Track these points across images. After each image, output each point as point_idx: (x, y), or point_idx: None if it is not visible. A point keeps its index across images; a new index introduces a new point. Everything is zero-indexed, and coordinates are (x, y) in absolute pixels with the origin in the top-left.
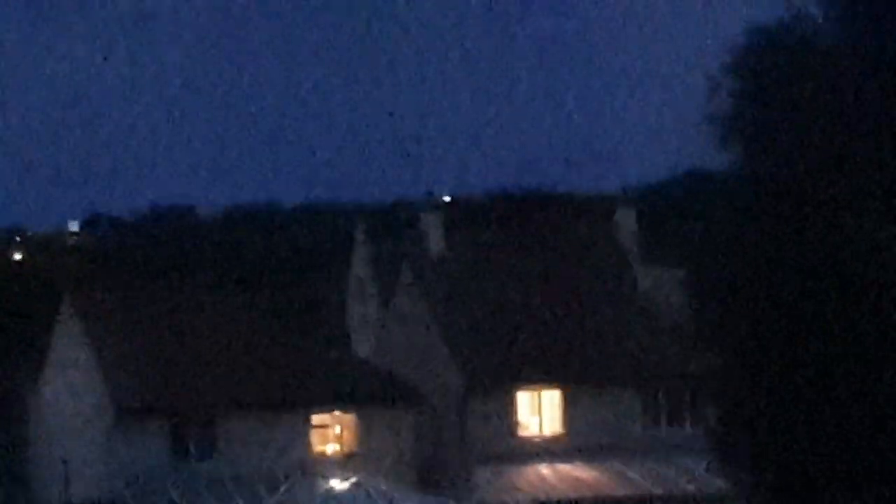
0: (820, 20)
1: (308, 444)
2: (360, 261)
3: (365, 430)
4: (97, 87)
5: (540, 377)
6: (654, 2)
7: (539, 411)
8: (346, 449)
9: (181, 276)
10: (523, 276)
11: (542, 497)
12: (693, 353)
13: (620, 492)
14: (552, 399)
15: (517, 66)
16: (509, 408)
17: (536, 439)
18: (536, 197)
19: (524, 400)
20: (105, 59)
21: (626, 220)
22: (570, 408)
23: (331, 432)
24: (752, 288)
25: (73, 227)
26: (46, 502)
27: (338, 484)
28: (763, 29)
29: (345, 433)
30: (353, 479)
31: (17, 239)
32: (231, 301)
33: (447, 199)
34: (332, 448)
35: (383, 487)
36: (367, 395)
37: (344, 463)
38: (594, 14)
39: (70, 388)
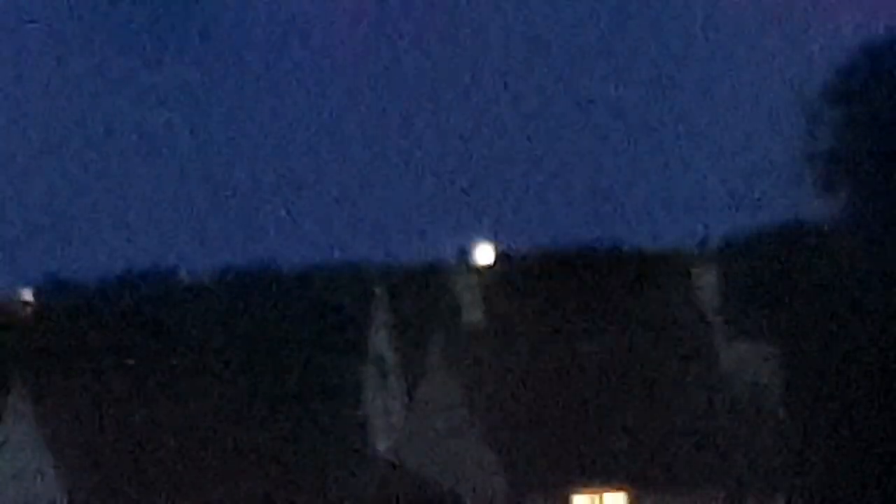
0: None
1: None
2: (379, 335)
3: None
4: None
5: (601, 479)
6: (741, 20)
7: None
8: None
9: (157, 354)
10: (580, 353)
11: None
12: (790, 450)
13: None
14: None
15: (570, 92)
16: None
17: None
18: (595, 255)
19: None
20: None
21: (707, 283)
22: None
23: None
24: (865, 366)
25: (27, 295)
26: None
27: None
28: (870, 47)
29: None
30: None
31: None
32: (216, 385)
33: (487, 258)
34: None
35: None
36: (389, 503)
37: None
38: (669, 33)
39: (16, 475)
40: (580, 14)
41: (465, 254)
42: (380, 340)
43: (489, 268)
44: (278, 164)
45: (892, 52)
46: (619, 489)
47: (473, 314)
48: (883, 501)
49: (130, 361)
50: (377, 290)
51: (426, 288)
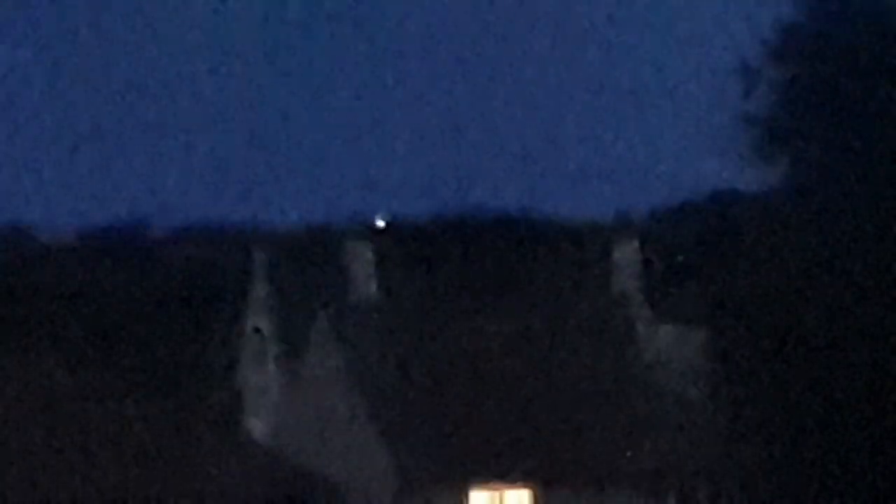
0: None
1: None
2: (258, 307)
3: None
4: None
5: (504, 473)
6: None
7: None
8: None
9: (6, 322)
10: (484, 333)
11: None
12: (714, 441)
13: None
14: (520, 502)
15: (484, 48)
16: None
17: None
18: (504, 225)
19: (480, 502)
20: None
21: (628, 259)
22: None
23: None
24: (801, 351)
25: None
26: None
27: None
28: (814, 5)
29: None
30: None
31: None
32: (73, 358)
33: (381, 223)
34: None
35: None
36: (264, 492)
37: None
38: None
39: None
40: None
41: (357, 219)
42: (258, 311)
43: (383, 236)
44: (149, 112)
45: (835, 12)
46: (523, 485)
47: (364, 286)
48: (816, 496)
49: None
50: (257, 255)
51: (312, 255)
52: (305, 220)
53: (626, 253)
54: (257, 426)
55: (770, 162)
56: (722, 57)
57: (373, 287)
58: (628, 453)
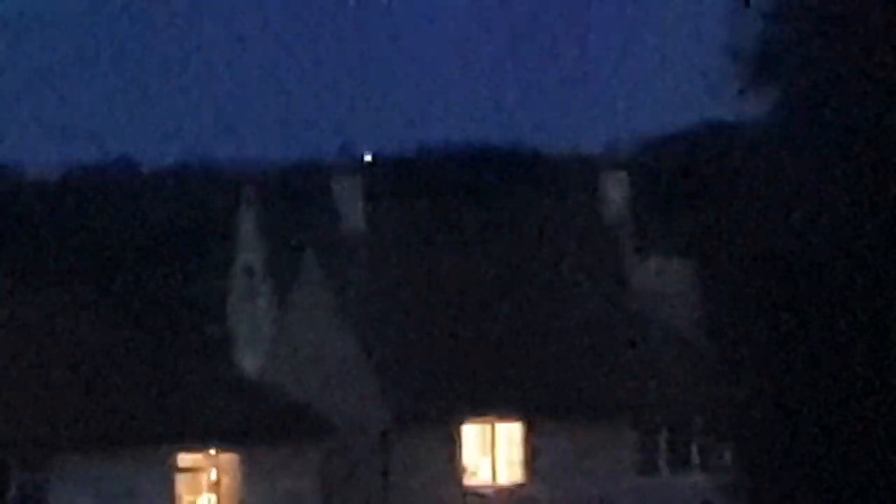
0: None
1: (172, 495)
2: (247, 243)
3: (251, 476)
4: None
5: (494, 405)
6: None
7: (492, 452)
8: (224, 501)
9: None
10: (472, 267)
11: None
12: (704, 374)
13: None
14: (511, 436)
15: None
16: (451, 447)
17: (488, 490)
18: (492, 157)
19: (472, 436)
20: None
21: (614, 192)
22: (535, 448)
23: (204, 478)
24: (788, 284)
25: None
26: None
27: None
28: None
29: (223, 479)
30: None
31: None
32: (62, 294)
33: (369, 157)
34: (205, 500)
35: None
36: (255, 426)
37: None
38: None
39: None
40: None
41: (345, 154)
42: (247, 247)
43: (372, 169)
44: (138, 52)
45: None
46: (513, 419)
47: (352, 220)
48: (809, 427)
49: None
50: (245, 192)
51: (301, 189)
52: (293, 155)
53: (614, 184)
54: (248, 361)
55: (758, 93)
56: None
57: (361, 221)
58: (619, 385)
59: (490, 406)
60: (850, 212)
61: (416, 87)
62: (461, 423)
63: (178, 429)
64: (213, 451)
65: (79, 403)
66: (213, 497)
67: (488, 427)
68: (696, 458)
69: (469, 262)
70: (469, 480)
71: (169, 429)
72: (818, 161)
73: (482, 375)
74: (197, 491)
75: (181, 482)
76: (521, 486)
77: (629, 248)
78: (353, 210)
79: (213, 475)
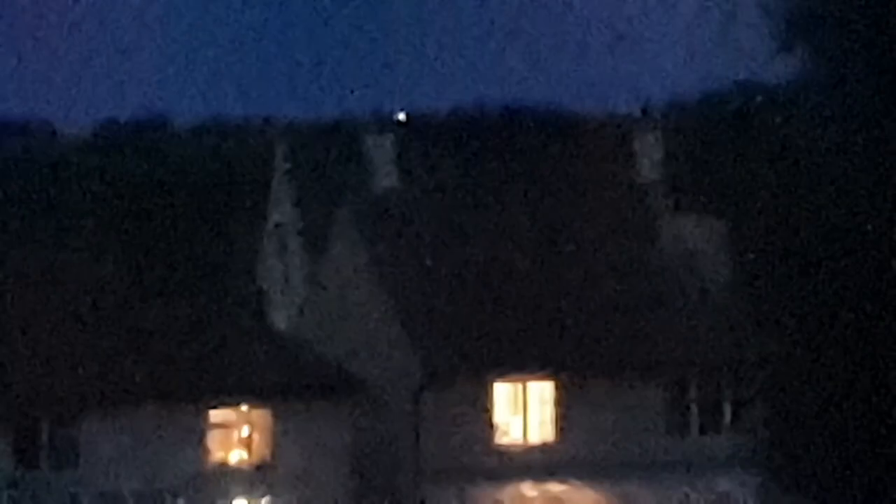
0: None
1: (203, 451)
2: (280, 199)
3: (283, 433)
4: None
5: (526, 364)
6: None
7: (524, 411)
8: (256, 457)
9: (27, 216)
10: (505, 225)
11: None
12: (737, 333)
13: None
14: (542, 394)
15: None
16: (482, 405)
17: (519, 449)
18: (524, 117)
19: (503, 395)
20: None
21: (647, 150)
22: (566, 407)
23: (235, 434)
24: (824, 243)
25: None
26: None
27: None
28: None
29: (255, 436)
30: (266, 500)
31: None
32: (95, 251)
33: (402, 116)
34: (237, 456)
35: None
36: (287, 383)
37: (253, 477)
38: None
39: None
40: None
41: (378, 113)
42: (280, 206)
43: (405, 128)
44: (171, 9)
45: None
46: (545, 377)
47: (386, 178)
48: (838, 388)
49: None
50: (277, 150)
51: (334, 147)
52: (326, 114)
53: (647, 144)
54: (280, 319)
55: (790, 52)
56: None
57: (394, 180)
58: (649, 345)
59: (522, 365)
60: (884, 172)
61: (449, 45)
62: (493, 381)
63: (211, 385)
64: (244, 408)
65: (111, 360)
66: (245, 453)
67: (520, 386)
68: (727, 417)
69: (502, 220)
70: (500, 439)
71: (201, 385)
72: (851, 121)
73: (514, 334)
74: (227, 447)
75: (213, 438)
76: (550, 445)
77: (663, 207)
78: (386, 169)
79: (245, 431)
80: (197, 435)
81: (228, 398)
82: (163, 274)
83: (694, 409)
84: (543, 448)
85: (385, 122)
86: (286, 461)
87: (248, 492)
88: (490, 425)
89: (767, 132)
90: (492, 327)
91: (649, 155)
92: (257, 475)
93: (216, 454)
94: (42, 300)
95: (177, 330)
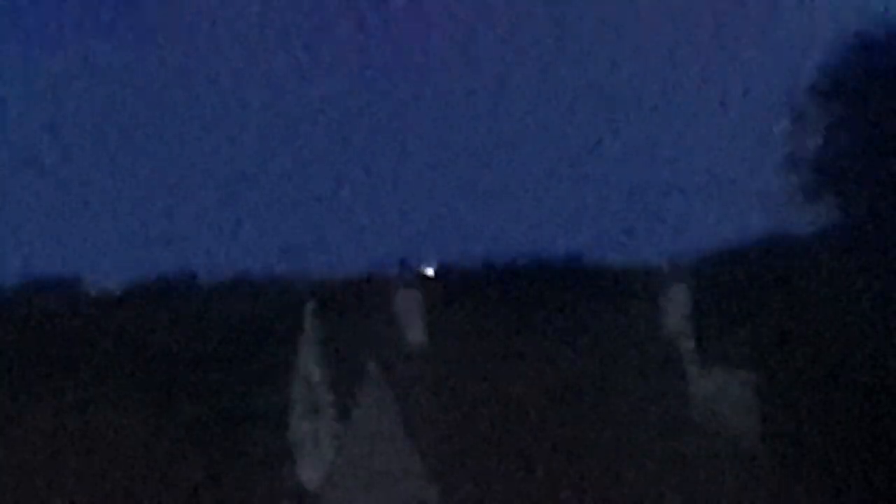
0: None
1: None
2: (308, 355)
3: None
4: None
5: None
6: (722, 15)
7: None
8: None
9: (58, 374)
10: (533, 378)
11: None
12: (769, 486)
13: None
14: None
15: (525, 90)
16: None
17: None
18: (552, 269)
19: None
20: None
21: (677, 303)
22: None
23: None
24: (854, 394)
25: None
26: None
27: None
28: (861, 44)
29: None
30: None
31: None
32: (124, 408)
33: (430, 271)
34: None
35: None
36: None
37: None
38: (644, 29)
39: None
40: (561, 11)
41: (406, 267)
42: (308, 361)
43: (432, 282)
44: (196, 164)
45: (882, 50)
46: None
47: (414, 333)
48: None
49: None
50: (306, 305)
51: (362, 303)
52: (354, 269)
53: (675, 297)
54: (309, 475)
55: (818, 204)
56: (766, 100)
57: (422, 335)
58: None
59: None
60: None
61: (478, 200)
62: None
63: None
64: None
65: None
66: None
67: None
68: None
69: (530, 374)
70: None
71: None
72: (878, 272)
73: (543, 492)
74: None
75: None
76: None
77: (692, 360)
78: (414, 323)
79: None
80: None
81: None
82: (191, 429)
83: None
84: None
85: (412, 277)
86: None
87: None
88: None
89: (796, 283)
90: (522, 485)
91: (677, 307)
92: None
93: None
94: (71, 457)
95: (205, 485)
